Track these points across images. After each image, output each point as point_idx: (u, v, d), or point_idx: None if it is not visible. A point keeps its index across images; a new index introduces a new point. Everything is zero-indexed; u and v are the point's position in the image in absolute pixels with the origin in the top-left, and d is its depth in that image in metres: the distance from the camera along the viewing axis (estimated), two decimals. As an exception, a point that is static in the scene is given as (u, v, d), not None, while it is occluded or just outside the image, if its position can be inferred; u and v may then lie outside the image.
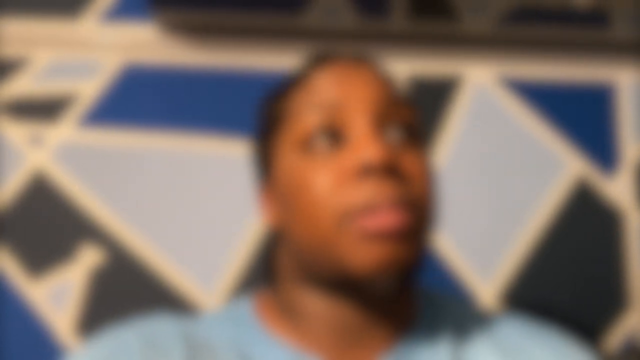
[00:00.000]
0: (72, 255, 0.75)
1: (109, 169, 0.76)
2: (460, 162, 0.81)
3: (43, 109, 0.77)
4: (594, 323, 0.80)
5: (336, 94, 0.49)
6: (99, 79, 0.78)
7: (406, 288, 0.51)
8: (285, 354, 0.49)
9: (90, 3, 0.79)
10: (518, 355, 0.51)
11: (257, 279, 0.76)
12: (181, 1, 0.79)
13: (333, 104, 0.48)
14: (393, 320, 0.50)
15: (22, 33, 0.78)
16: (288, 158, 0.49)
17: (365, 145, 0.46)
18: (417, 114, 0.51)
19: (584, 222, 0.82)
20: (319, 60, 0.52)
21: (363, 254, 0.45)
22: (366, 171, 0.46)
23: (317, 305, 0.49)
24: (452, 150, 0.81)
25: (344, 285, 0.47)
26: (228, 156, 0.78)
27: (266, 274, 0.56)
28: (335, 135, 0.48)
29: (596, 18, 0.85)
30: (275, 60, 0.80)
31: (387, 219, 0.44)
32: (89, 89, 0.78)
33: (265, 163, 0.53)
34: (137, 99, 0.78)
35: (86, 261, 0.75)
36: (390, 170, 0.46)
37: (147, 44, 0.79)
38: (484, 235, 0.80)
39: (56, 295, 0.74)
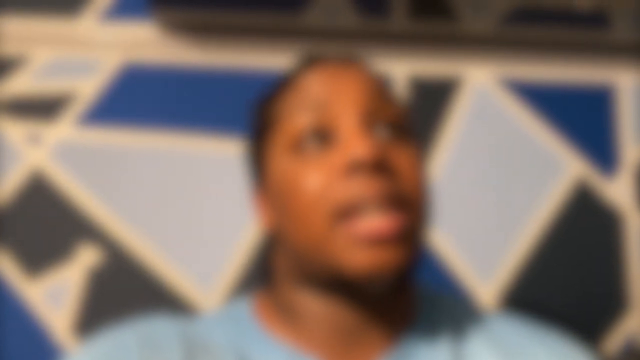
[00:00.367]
0: (70, 255, 0.74)
1: (107, 168, 0.76)
2: (460, 162, 0.81)
3: (42, 108, 0.76)
4: (593, 325, 0.80)
5: (325, 95, 0.49)
6: (98, 78, 0.77)
7: (404, 287, 0.51)
8: (283, 355, 0.49)
9: (90, 2, 0.78)
10: (517, 354, 0.51)
11: (255, 279, 0.76)
12: (180, 0, 0.79)
13: (322, 105, 0.49)
14: (391, 320, 0.50)
15: (22, 31, 0.77)
16: (280, 160, 0.50)
17: (353, 142, 0.46)
18: (408, 112, 0.51)
19: (583, 224, 0.82)
20: (308, 62, 0.53)
21: (356, 258, 0.45)
22: (355, 168, 0.46)
23: (315, 306, 0.49)
24: (451, 150, 0.81)
25: (340, 286, 0.47)
26: (227, 156, 0.78)
27: (264, 274, 0.55)
28: (325, 135, 0.48)
29: (596, 19, 0.85)
30: (274, 59, 0.80)
31: (378, 223, 0.44)
32: (88, 87, 0.77)
33: (258, 166, 0.53)
34: (136, 98, 0.77)
35: (84, 261, 0.74)
36: (379, 167, 0.46)
37: (147, 43, 0.78)
38: (484, 236, 0.80)
39: (54, 294, 0.74)
